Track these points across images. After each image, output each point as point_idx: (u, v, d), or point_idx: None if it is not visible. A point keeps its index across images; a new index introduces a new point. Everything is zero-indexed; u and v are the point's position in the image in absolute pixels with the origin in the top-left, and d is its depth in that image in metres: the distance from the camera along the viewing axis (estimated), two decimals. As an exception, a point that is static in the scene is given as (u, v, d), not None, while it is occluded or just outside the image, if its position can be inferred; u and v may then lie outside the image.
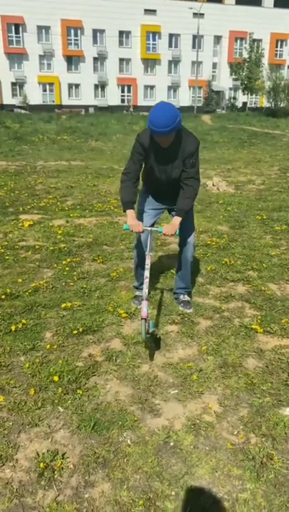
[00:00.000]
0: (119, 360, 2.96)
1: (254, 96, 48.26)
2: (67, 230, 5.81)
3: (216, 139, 19.73)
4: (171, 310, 3.64)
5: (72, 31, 46.35)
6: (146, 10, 47.43)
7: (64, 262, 4.65)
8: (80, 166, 11.93)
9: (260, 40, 47.80)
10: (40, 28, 45.06)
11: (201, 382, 2.74)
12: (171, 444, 2.27)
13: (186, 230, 3.42)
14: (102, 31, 47.19)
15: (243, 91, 46.22)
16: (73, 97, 48.41)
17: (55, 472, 2.09)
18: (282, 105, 41.21)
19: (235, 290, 4.05)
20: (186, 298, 3.73)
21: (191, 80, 49.31)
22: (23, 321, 3.41)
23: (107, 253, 4.98)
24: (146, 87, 50.19)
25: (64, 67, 47.26)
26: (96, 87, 48.84)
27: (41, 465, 2.11)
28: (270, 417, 2.45)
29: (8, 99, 45.92)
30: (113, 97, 49.23)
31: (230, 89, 51.70)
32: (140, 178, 3.32)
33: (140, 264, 3.54)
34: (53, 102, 46.92)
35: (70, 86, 47.91)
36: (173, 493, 2.00)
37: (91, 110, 44.32)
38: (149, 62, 49.94)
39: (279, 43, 53.03)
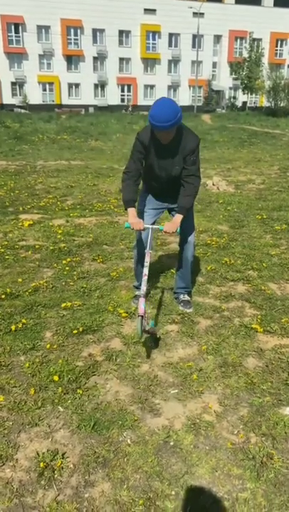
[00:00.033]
0: (119, 359, 2.96)
1: (254, 95, 48.22)
2: (67, 230, 5.81)
3: (216, 139, 19.73)
4: (171, 309, 3.64)
5: (72, 31, 46.32)
6: (146, 9, 47.40)
7: (64, 262, 4.65)
8: (80, 165, 11.93)
9: (260, 40, 47.77)
10: (40, 27, 45.03)
11: (201, 381, 2.74)
12: (171, 443, 2.27)
13: (186, 229, 3.42)
14: (101, 31, 47.17)
15: (243, 90, 46.20)
16: (73, 96, 48.39)
17: (55, 472, 2.09)
18: (282, 105, 41.20)
19: (235, 289, 4.05)
20: (186, 297, 3.73)
21: (191, 79, 49.29)
22: (23, 320, 3.41)
23: (107, 253, 4.98)
24: (146, 86, 50.17)
25: (64, 67, 47.24)
26: (96, 86, 48.82)
27: (41, 465, 2.11)
28: (270, 416, 2.45)
29: (8, 99, 45.91)
30: (113, 96, 49.21)
31: (230, 88, 51.67)
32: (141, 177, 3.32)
33: (140, 262, 3.54)
34: (53, 101, 46.89)
35: (69, 85, 47.89)
36: (173, 492, 2.00)
37: (91, 110, 44.31)
38: (149, 62, 49.92)
39: (279, 42, 53.00)
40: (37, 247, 5.14)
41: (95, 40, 47.44)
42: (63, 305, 3.66)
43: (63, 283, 4.16)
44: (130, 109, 42.86)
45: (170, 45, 49.83)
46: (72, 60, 47.45)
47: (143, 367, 2.89)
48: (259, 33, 47.97)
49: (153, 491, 2.00)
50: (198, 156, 3.22)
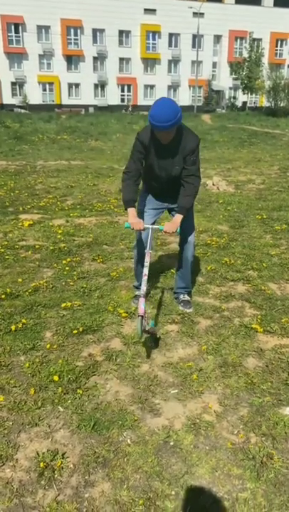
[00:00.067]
0: (119, 359, 2.96)
1: (254, 95, 48.22)
2: (67, 230, 5.81)
3: (216, 139, 19.73)
4: (171, 309, 3.64)
5: (72, 31, 46.32)
6: (146, 9, 47.39)
7: (64, 262, 4.65)
8: (79, 165, 11.93)
9: (260, 40, 47.77)
10: (39, 27, 45.02)
11: (201, 381, 2.74)
12: (171, 443, 2.27)
13: (186, 229, 3.42)
14: (101, 31, 47.16)
15: (243, 90, 46.20)
16: (73, 96, 48.39)
17: (55, 472, 2.09)
18: (282, 104, 41.18)
19: (235, 289, 4.05)
20: (186, 297, 3.73)
21: (191, 79, 49.28)
22: (23, 320, 3.41)
23: (107, 253, 4.98)
24: (146, 86, 50.17)
25: (64, 67, 47.24)
26: (96, 86, 48.82)
27: (41, 465, 2.11)
28: (270, 416, 2.45)
29: (8, 99, 45.91)
30: (113, 96, 49.21)
31: (230, 88, 51.67)
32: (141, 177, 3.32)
33: (140, 262, 3.54)
34: (53, 101, 46.90)
35: (69, 85, 47.89)
36: (173, 492, 2.00)
37: (91, 110, 44.30)
38: (149, 62, 49.92)
39: (279, 42, 53.00)
40: (37, 247, 5.15)
41: (95, 40, 47.44)
42: (63, 305, 3.67)
43: (63, 283, 4.16)
44: (130, 109, 42.86)
45: (170, 45, 49.83)
46: (72, 60, 47.45)
47: (143, 367, 2.89)
48: (259, 33, 47.97)
49: (153, 491, 2.00)
50: (199, 156, 3.22)
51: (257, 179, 10.01)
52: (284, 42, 53.14)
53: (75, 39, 46.80)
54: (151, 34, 48.64)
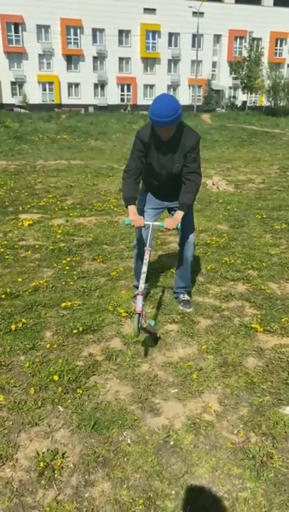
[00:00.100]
0: (119, 359, 2.96)
1: (254, 95, 48.23)
2: (67, 230, 5.81)
3: (216, 138, 19.73)
4: (171, 309, 3.64)
5: (72, 30, 46.30)
6: (145, 9, 47.38)
7: (64, 262, 4.65)
8: (79, 165, 11.92)
9: (259, 39, 47.80)
10: (39, 27, 44.99)
11: (201, 381, 2.74)
12: (171, 443, 2.27)
13: (186, 229, 3.42)
14: (101, 30, 47.15)
15: (242, 90, 46.21)
16: (73, 96, 48.37)
17: (55, 471, 2.09)
18: (281, 104, 41.18)
19: (235, 289, 4.05)
20: (186, 297, 3.73)
21: (191, 78, 49.27)
22: (23, 320, 3.41)
23: (107, 252, 4.98)
24: (145, 86, 50.16)
25: (64, 67, 47.22)
26: (96, 86, 48.80)
27: (41, 464, 2.11)
28: (270, 416, 2.45)
29: (7, 99, 45.89)
30: (113, 96, 49.20)
31: (230, 88, 51.67)
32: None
33: (140, 260, 3.53)
34: (53, 101, 46.89)
35: (69, 85, 47.86)
36: (173, 492, 2.00)
37: (91, 109, 44.31)
38: (149, 61, 49.91)
39: (279, 41, 53.00)
40: (37, 246, 5.14)
41: (94, 40, 47.42)
42: (63, 305, 3.67)
43: (63, 283, 4.16)
44: (129, 108, 42.86)
45: (170, 44, 49.82)
46: (72, 59, 47.43)
47: (143, 366, 2.89)
48: (259, 33, 48.01)
49: (153, 491, 2.00)
50: (199, 153, 3.22)
51: (257, 179, 10.00)
52: (284, 41, 53.14)
53: (74, 39, 46.79)
54: (151, 34, 48.63)
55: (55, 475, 2.08)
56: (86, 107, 45.33)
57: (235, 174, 10.61)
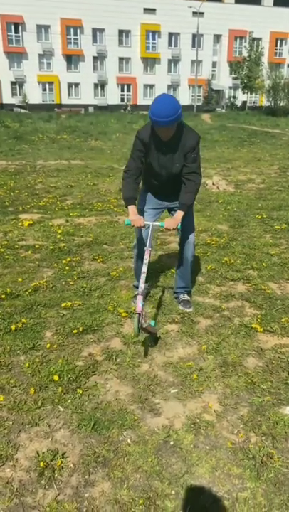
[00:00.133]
0: (119, 359, 2.96)
1: (254, 95, 48.23)
2: (67, 230, 5.81)
3: (216, 138, 19.73)
4: (171, 309, 3.64)
5: (72, 30, 46.30)
6: (145, 9, 47.38)
7: (64, 262, 4.65)
8: (79, 165, 11.92)
9: (259, 39, 47.81)
10: (39, 27, 44.99)
11: (201, 381, 2.74)
12: (171, 443, 2.27)
13: (186, 229, 3.42)
14: (101, 30, 47.15)
15: (242, 90, 46.20)
16: (73, 96, 48.37)
17: (55, 471, 2.09)
18: (281, 104, 41.17)
19: (235, 289, 4.05)
20: (186, 297, 3.73)
21: (191, 78, 49.27)
22: (23, 320, 3.41)
23: (107, 252, 4.98)
24: (145, 86, 50.16)
25: (64, 67, 47.22)
26: (96, 86, 48.80)
27: (41, 464, 2.11)
28: (270, 416, 2.45)
29: (7, 99, 45.89)
30: (113, 96, 49.20)
31: (230, 88, 51.67)
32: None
33: (140, 260, 3.54)
34: (53, 101, 46.88)
35: (69, 85, 47.86)
36: (173, 492, 2.00)
37: (91, 109, 44.31)
38: (149, 61, 49.91)
39: (279, 41, 53.01)
40: (37, 246, 5.14)
41: (94, 40, 47.43)
42: (63, 305, 3.67)
43: (63, 283, 4.16)
44: (129, 108, 42.85)
45: (170, 44, 49.82)
46: (72, 59, 47.43)
47: (143, 366, 2.89)
48: (259, 33, 48.01)
49: (153, 491, 2.00)
50: (199, 153, 3.22)
51: (257, 178, 10.00)
52: (284, 41, 53.15)
53: (74, 39, 46.79)
54: (151, 34, 48.63)
55: (55, 475, 2.08)
56: (86, 107, 45.34)
57: (235, 174, 10.61)
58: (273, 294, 3.96)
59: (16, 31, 44.76)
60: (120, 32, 47.72)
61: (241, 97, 49.13)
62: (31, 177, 9.93)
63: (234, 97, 50.10)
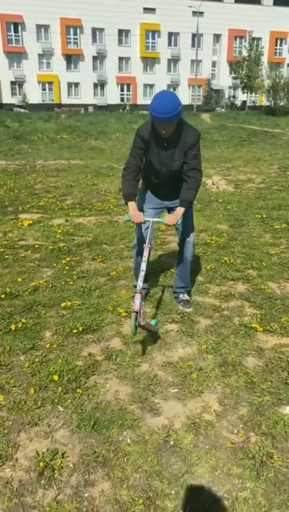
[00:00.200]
0: (119, 359, 2.96)
1: (253, 94, 48.20)
2: (66, 229, 5.81)
3: (216, 138, 19.72)
4: (170, 309, 3.64)
5: (72, 30, 46.31)
6: (145, 8, 47.38)
7: (64, 261, 4.65)
8: (79, 165, 11.92)
9: (259, 39, 47.81)
10: (39, 26, 45.01)
11: (200, 381, 2.74)
12: (171, 443, 2.27)
13: (185, 229, 3.42)
14: (101, 30, 47.16)
15: (242, 89, 46.17)
16: (73, 95, 48.38)
17: (55, 471, 2.09)
18: (281, 104, 41.13)
19: (235, 289, 4.05)
20: (186, 297, 3.73)
21: (191, 78, 49.28)
22: (23, 320, 3.41)
23: (106, 252, 4.98)
24: (145, 85, 50.16)
25: (63, 66, 47.22)
26: (95, 85, 48.82)
27: (41, 464, 2.11)
28: (270, 415, 2.45)
29: (7, 99, 45.90)
30: (112, 95, 49.21)
31: (230, 87, 51.67)
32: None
33: (140, 257, 3.53)
34: (53, 100, 46.89)
35: (69, 85, 47.88)
36: (173, 492, 2.00)
37: (90, 109, 44.30)
38: (149, 61, 49.92)
39: (278, 41, 53.03)
40: (36, 246, 5.14)
41: (94, 40, 47.43)
42: (63, 304, 3.66)
43: (63, 282, 4.16)
44: (127, 107, 42.84)
45: (170, 44, 49.84)
46: (71, 59, 47.43)
47: (143, 366, 2.89)
48: (259, 32, 48.02)
49: (153, 490, 2.01)
50: (200, 150, 3.22)
51: (256, 178, 10.00)
52: (283, 41, 53.17)
53: (74, 38, 46.80)
54: (150, 33, 48.65)
55: (55, 475, 2.08)
56: (86, 106, 45.33)
57: (235, 174, 10.61)
58: (273, 293, 3.96)
59: (16, 31, 44.78)
60: (120, 32, 47.73)
61: (241, 96, 49.12)
62: (31, 177, 9.93)
63: (234, 96, 50.09)
